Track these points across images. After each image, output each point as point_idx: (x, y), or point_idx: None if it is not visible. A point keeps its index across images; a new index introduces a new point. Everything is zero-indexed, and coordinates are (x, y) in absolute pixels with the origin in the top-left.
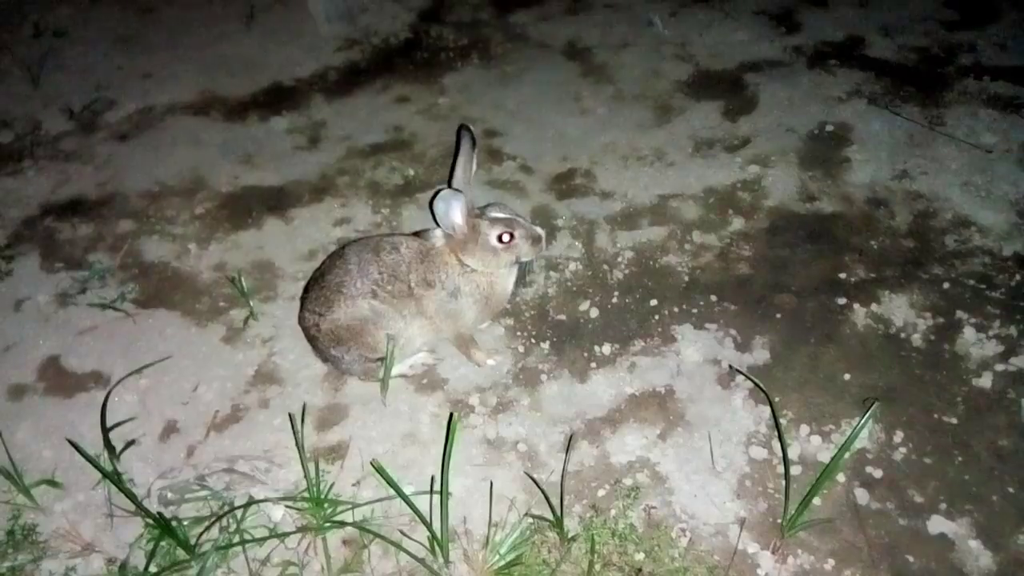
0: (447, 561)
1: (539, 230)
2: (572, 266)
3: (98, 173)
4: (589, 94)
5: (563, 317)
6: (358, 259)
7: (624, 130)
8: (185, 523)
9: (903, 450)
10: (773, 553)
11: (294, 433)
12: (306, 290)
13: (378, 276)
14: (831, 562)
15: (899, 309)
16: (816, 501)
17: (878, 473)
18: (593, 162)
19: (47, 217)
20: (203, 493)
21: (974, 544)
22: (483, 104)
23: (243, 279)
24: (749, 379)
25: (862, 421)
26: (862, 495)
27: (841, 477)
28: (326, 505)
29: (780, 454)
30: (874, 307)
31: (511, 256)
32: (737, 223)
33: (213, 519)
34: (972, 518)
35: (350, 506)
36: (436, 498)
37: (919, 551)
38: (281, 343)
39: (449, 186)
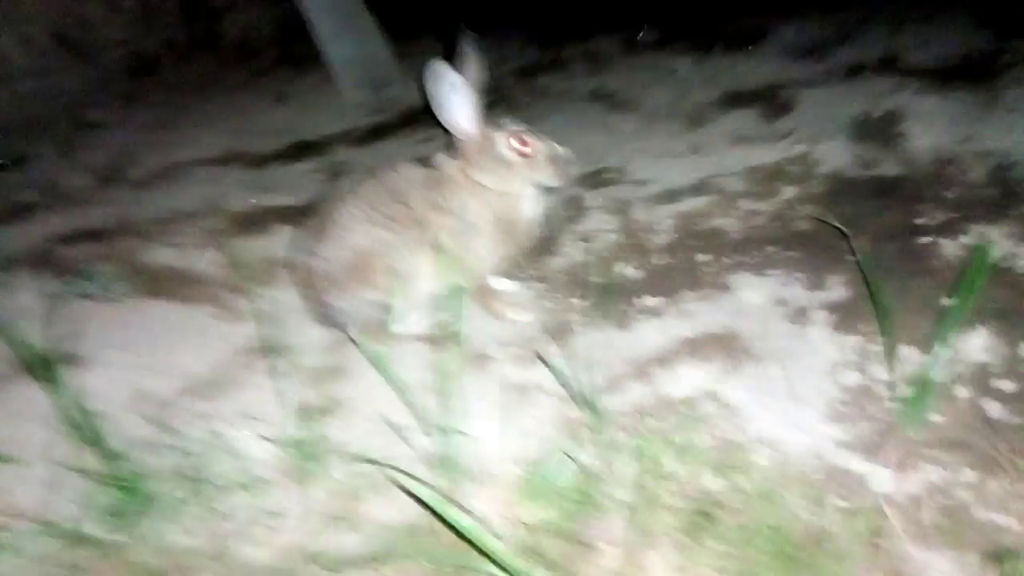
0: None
1: (561, 149)
2: (607, 237)
3: (108, 209)
4: (616, 120)
5: (599, 279)
6: (353, 186)
7: (655, 137)
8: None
9: None
10: (891, 468)
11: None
12: None
13: (375, 198)
14: (967, 473)
15: (994, 242)
16: (937, 418)
17: (1009, 386)
18: (624, 162)
19: (48, 244)
20: (179, 445)
21: None
22: None
23: (242, 269)
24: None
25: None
26: (993, 408)
27: (963, 393)
28: (316, 447)
29: (875, 379)
30: (963, 239)
31: (529, 173)
32: (789, 192)
33: (185, 461)
34: None
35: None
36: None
37: None
38: (277, 319)
39: None
